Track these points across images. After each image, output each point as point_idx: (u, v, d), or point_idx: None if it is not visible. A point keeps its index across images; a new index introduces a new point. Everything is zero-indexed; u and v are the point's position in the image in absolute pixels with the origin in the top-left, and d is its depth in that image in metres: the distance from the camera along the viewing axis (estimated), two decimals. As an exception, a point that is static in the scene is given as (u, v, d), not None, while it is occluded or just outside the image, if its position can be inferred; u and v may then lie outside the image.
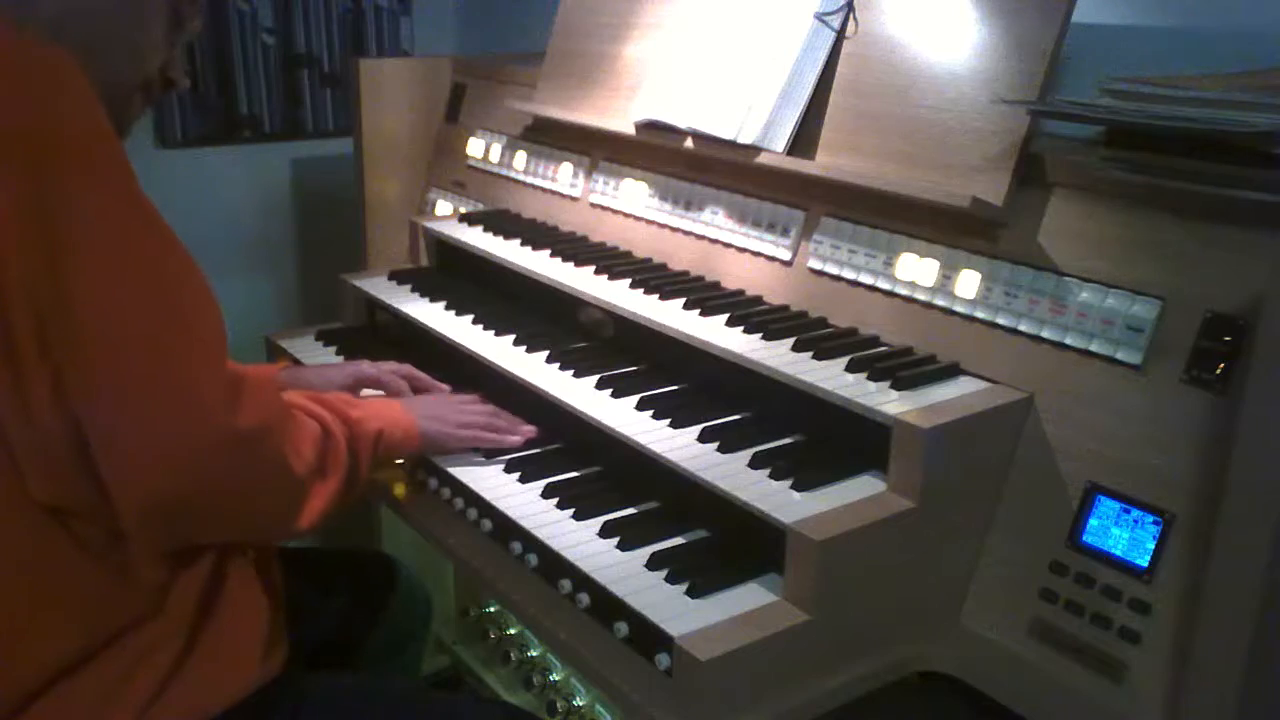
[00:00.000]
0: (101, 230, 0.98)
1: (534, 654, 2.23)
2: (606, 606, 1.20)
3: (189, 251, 1.07)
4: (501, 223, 2.01)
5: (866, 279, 1.49)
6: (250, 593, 1.23)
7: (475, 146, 2.28)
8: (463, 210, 2.22)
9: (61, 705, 1.09)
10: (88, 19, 1.06)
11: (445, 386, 1.63)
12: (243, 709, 1.17)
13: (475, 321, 1.74)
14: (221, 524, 1.13)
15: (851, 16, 1.56)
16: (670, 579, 1.21)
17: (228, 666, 1.18)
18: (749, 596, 1.19)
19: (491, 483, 1.43)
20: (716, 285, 1.67)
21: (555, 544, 1.28)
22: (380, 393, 1.59)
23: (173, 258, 1.04)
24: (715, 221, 1.72)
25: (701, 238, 1.74)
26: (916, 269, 1.43)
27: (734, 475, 1.27)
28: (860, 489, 1.25)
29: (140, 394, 0.98)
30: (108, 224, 0.99)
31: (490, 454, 1.49)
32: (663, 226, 1.81)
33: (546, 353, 1.60)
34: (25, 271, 0.95)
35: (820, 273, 1.55)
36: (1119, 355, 1.22)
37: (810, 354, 1.40)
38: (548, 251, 1.83)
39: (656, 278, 1.68)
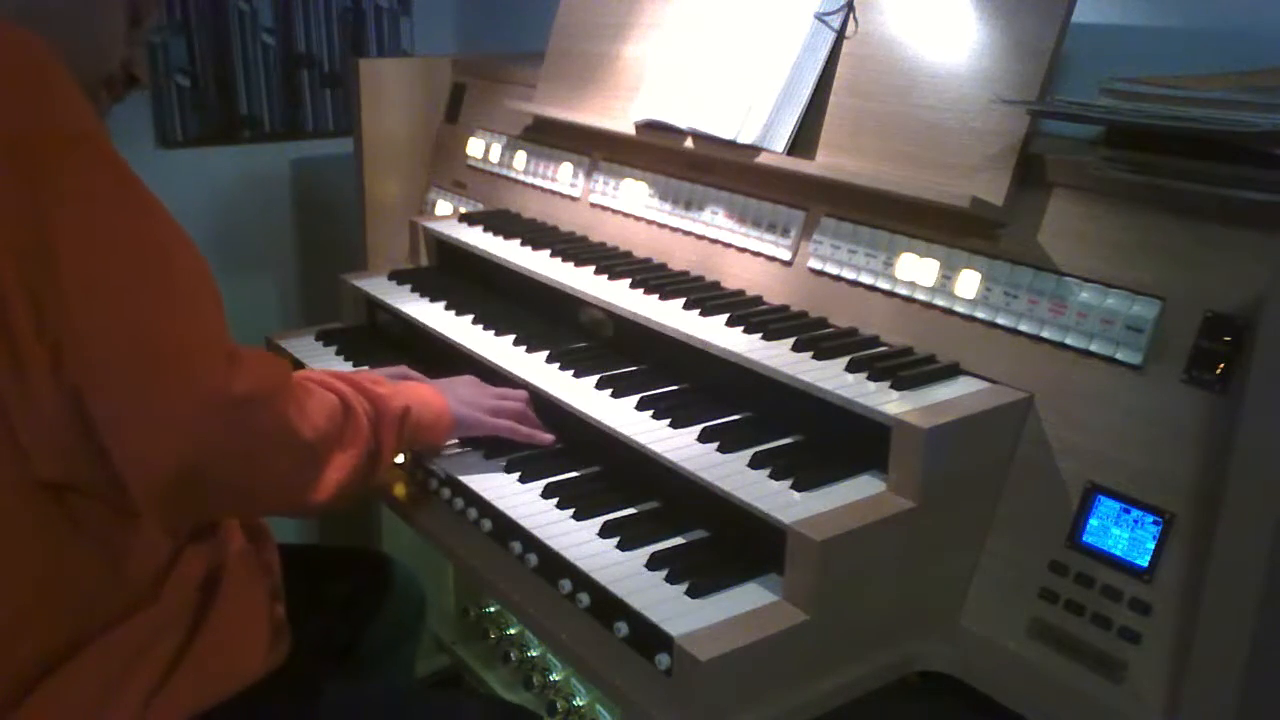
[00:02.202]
0: (89, 205, 0.99)
1: (534, 654, 2.23)
2: (606, 606, 1.20)
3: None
4: (501, 223, 2.01)
5: (866, 279, 1.49)
6: (251, 583, 1.24)
7: (475, 146, 2.28)
8: (463, 210, 2.22)
9: (62, 695, 1.09)
10: (46, 14, 1.07)
11: None
12: (242, 701, 1.17)
13: (475, 321, 1.74)
14: (234, 493, 1.12)
15: (851, 16, 1.56)
16: (670, 579, 1.21)
17: (231, 656, 1.19)
18: (749, 596, 1.19)
19: (491, 483, 1.43)
20: (716, 285, 1.67)
21: (555, 544, 1.28)
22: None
23: (161, 231, 1.04)
24: (715, 221, 1.72)
25: (701, 238, 1.74)
26: (916, 269, 1.43)
27: (734, 475, 1.27)
28: (860, 489, 1.25)
29: (133, 363, 0.99)
30: (95, 199, 1.00)
31: (491, 454, 1.49)
32: (663, 226, 1.81)
33: (546, 353, 1.60)
34: (17, 250, 0.96)
35: (820, 273, 1.55)
36: (1119, 355, 1.22)
37: (810, 354, 1.40)
38: (548, 251, 1.83)
39: (656, 278, 1.68)
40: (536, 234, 1.93)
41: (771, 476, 1.26)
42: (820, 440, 1.35)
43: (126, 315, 0.99)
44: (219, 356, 1.03)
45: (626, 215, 1.88)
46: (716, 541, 1.30)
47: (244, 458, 1.07)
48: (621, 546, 1.28)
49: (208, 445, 1.02)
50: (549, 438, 1.51)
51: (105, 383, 0.99)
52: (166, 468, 1.01)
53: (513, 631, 2.29)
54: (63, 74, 1.00)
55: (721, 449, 1.32)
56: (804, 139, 1.58)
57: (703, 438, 1.35)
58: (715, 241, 1.72)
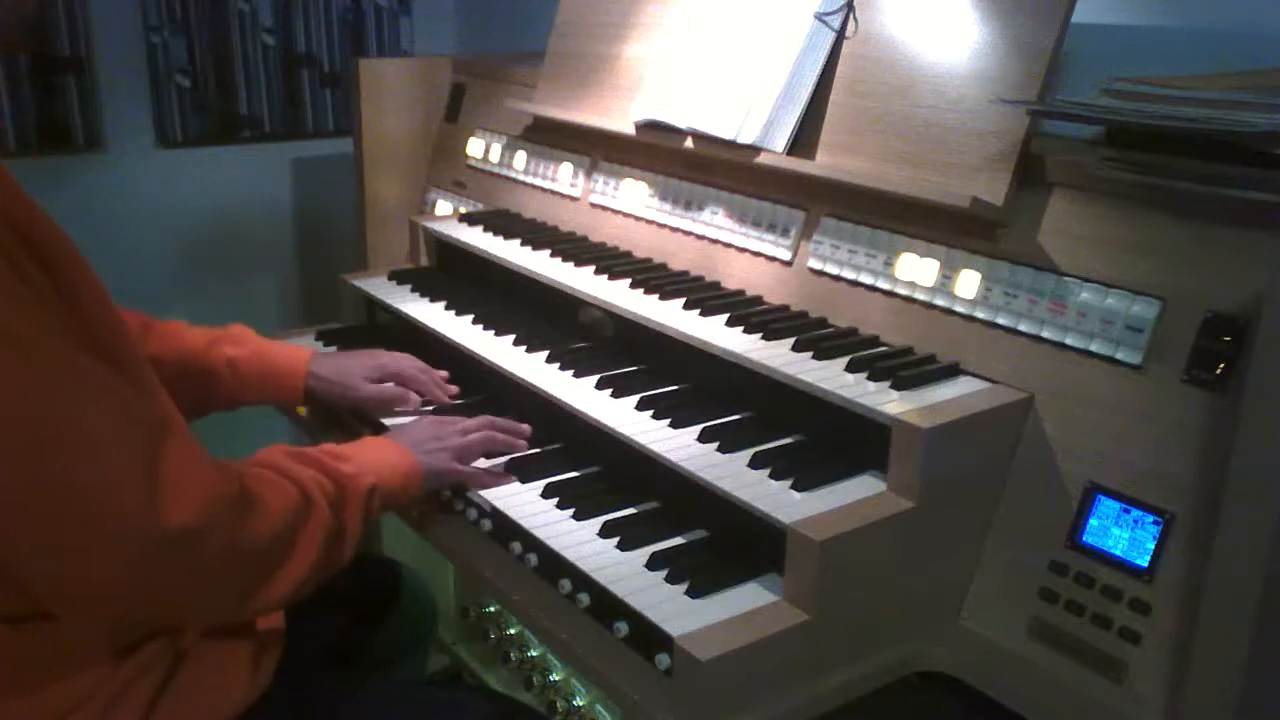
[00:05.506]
0: None
1: (534, 654, 2.23)
2: (606, 606, 1.20)
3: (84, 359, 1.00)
4: (501, 223, 2.01)
5: (866, 279, 1.49)
6: None
7: (475, 146, 2.28)
8: (463, 210, 2.22)
9: None
10: None
11: (453, 389, 1.63)
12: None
13: (475, 321, 1.74)
14: (185, 613, 1.11)
15: (851, 16, 1.56)
16: (670, 579, 1.21)
17: (217, 682, 1.17)
18: (749, 596, 1.19)
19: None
20: (716, 285, 1.67)
21: (555, 544, 1.28)
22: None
23: (63, 393, 0.96)
24: (715, 221, 1.72)
25: (701, 238, 1.74)
26: (916, 269, 1.43)
27: (734, 475, 1.27)
28: (860, 489, 1.25)
29: (52, 525, 0.95)
30: None
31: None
32: (663, 226, 1.81)
33: (546, 353, 1.60)
34: None
35: (820, 273, 1.55)
36: (1119, 355, 1.22)
37: (810, 354, 1.40)
38: (548, 251, 1.83)
39: (656, 278, 1.68)
40: (536, 234, 1.93)
41: (771, 476, 1.26)
42: (820, 440, 1.35)
43: (28, 476, 0.94)
44: (143, 498, 0.97)
45: (626, 215, 1.88)
46: (716, 541, 1.30)
47: (188, 584, 1.04)
48: (621, 546, 1.28)
49: (146, 583, 1.00)
50: (522, 444, 1.47)
51: (25, 547, 0.96)
52: (104, 608, 1.01)
53: (513, 631, 2.29)
54: None
55: (721, 449, 1.32)
56: (804, 139, 1.58)
57: (703, 438, 1.35)
58: (715, 241, 1.72)
